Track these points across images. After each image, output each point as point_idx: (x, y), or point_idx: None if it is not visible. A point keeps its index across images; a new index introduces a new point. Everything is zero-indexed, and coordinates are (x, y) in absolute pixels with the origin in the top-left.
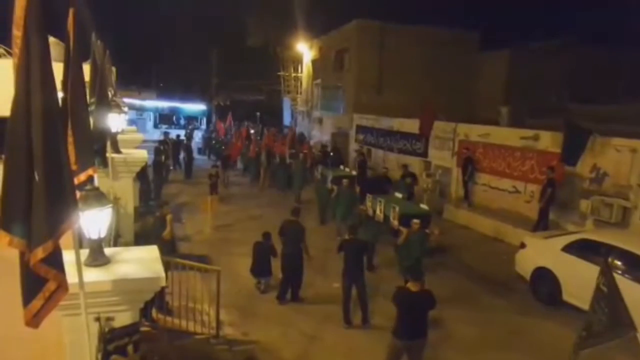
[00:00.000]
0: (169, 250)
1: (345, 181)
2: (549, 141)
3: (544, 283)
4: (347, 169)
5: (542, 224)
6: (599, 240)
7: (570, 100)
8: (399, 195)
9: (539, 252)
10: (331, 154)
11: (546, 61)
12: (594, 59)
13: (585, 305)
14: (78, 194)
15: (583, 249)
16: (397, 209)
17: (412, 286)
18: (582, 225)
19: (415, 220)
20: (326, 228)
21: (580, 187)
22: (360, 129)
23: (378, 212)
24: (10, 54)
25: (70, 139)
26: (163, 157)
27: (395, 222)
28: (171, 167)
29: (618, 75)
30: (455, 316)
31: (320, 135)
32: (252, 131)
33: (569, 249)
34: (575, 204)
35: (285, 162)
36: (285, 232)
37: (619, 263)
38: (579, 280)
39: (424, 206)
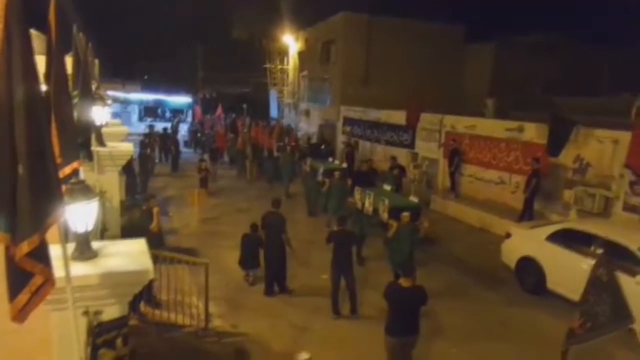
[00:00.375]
0: (156, 243)
1: (336, 174)
2: (533, 132)
3: (529, 272)
4: (337, 162)
5: (527, 214)
6: (582, 229)
7: (555, 92)
8: (387, 187)
9: (524, 242)
10: (322, 146)
11: (532, 55)
12: (579, 53)
13: (568, 293)
14: (63, 187)
15: (566, 239)
16: (386, 202)
17: (403, 282)
18: (566, 215)
19: (405, 213)
20: (315, 220)
21: (564, 177)
22: (348, 120)
23: (367, 205)
24: None
25: (54, 132)
26: (148, 150)
27: (385, 215)
28: (157, 160)
29: (602, 69)
30: (445, 308)
31: (307, 127)
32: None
33: (552, 238)
34: (559, 194)
35: (273, 155)
36: (266, 223)
37: (601, 252)
38: (562, 269)
39: (413, 199)
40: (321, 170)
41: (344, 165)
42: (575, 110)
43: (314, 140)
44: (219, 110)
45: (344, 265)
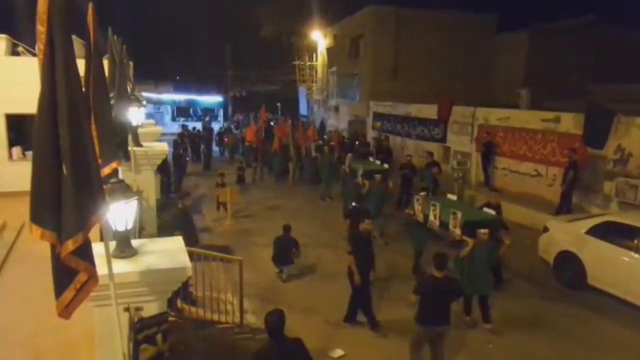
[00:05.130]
0: (190, 241)
1: (377, 176)
2: (570, 123)
3: (569, 267)
4: (377, 162)
5: (564, 208)
6: (625, 222)
7: (591, 80)
8: (452, 197)
9: (563, 236)
10: (356, 143)
11: (566, 42)
12: (615, 38)
13: (611, 288)
14: (104, 187)
15: (608, 232)
16: (459, 215)
17: (436, 273)
18: (606, 208)
19: (483, 231)
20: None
21: (603, 168)
22: (377, 116)
23: (432, 217)
24: (29, 52)
25: (94, 133)
26: (181, 150)
27: (458, 232)
28: (187, 158)
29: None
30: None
31: (337, 123)
32: (271, 123)
33: (593, 232)
34: (599, 186)
35: (311, 155)
36: (355, 242)
37: None
38: (604, 263)
39: (489, 210)
40: (360, 171)
41: (385, 166)
42: (614, 98)
43: (345, 137)
44: (263, 112)
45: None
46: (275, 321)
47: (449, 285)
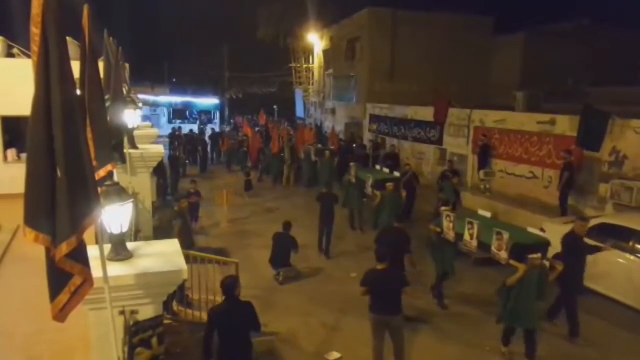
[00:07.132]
0: (186, 243)
1: (389, 185)
2: (566, 125)
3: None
4: (385, 169)
5: (560, 209)
6: (620, 224)
7: (588, 83)
8: (485, 213)
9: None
10: (354, 145)
11: (562, 44)
12: (610, 41)
13: (606, 290)
14: (99, 189)
15: (603, 233)
16: (505, 236)
17: (379, 265)
18: (602, 210)
19: (536, 255)
20: (357, 234)
21: (599, 170)
22: (374, 118)
23: (467, 237)
24: (24, 53)
25: (88, 136)
26: (177, 152)
27: (504, 255)
28: (187, 161)
29: (636, 56)
30: (478, 305)
31: (333, 125)
32: (269, 125)
33: (588, 233)
34: (594, 188)
35: (310, 158)
36: (386, 239)
37: None
38: (599, 264)
39: (534, 231)
40: (370, 181)
41: (396, 174)
42: (609, 100)
43: (342, 140)
44: (262, 115)
45: (327, 220)
46: (228, 283)
47: (393, 275)
